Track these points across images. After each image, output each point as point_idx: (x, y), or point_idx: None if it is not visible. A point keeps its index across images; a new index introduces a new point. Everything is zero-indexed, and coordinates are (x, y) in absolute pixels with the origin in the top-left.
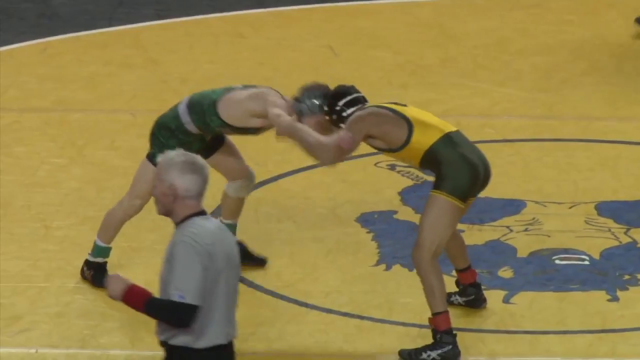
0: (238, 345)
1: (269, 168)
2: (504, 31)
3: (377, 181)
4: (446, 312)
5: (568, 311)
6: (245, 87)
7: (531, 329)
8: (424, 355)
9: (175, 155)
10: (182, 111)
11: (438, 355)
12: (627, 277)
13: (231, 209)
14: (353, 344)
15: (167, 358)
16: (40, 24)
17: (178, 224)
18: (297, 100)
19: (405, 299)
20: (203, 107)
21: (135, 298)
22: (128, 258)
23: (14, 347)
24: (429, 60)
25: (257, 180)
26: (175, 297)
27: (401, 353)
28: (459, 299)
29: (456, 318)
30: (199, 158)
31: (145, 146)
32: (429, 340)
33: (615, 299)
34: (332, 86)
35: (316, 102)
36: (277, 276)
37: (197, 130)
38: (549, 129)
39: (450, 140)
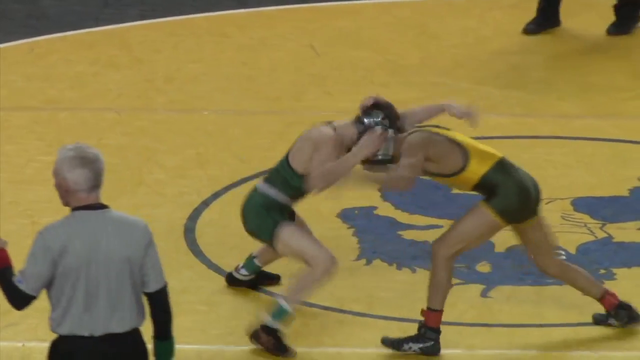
0: (222, 340)
1: (253, 165)
2: (483, 31)
3: None
4: (441, 311)
5: (545, 305)
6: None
7: (509, 322)
8: (406, 347)
9: (67, 149)
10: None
11: (419, 348)
12: (602, 271)
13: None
14: (333, 337)
15: None
16: (28, 24)
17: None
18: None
19: (385, 293)
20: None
21: None
22: None
23: (0, 341)
24: (409, 59)
25: (242, 176)
26: (17, 280)
27: (384, 341)
28: (615, 322)
29: None
30: (90, 151)
31: (130, 143)
32: (409, 333)
33: None
34: (314, 83)
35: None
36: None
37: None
38: (527, 127)
39: (503, 165)
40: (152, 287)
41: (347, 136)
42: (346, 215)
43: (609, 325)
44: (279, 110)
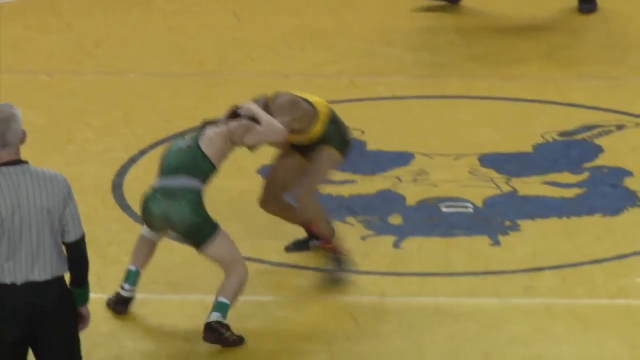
0: (146, 289)
1: (177, 124)
2: None
3: None
4: (334, 234)
5: (454, 255)
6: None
7: (420, 271)
8: (334, 275)
9: None
10: None
11: (340, 268)
12: (508, 223)
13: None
14: (254, 287)
15: None
16: None
17: None
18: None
19: None
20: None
21: None
22: None
23: None
24: (325, 24)
25: (167, 134)
26: None
27: (327, 272)
28: (316, 243)
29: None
30: (4, 110)
31: (60, 104)
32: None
33: (497, 243)
34: (236, 47)
35: None
36: None
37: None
38: (436, 87)
39: (334, 115)
40: (71, 237)
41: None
42: (266, 171)
43: (309, 247)
44: (203, 72)
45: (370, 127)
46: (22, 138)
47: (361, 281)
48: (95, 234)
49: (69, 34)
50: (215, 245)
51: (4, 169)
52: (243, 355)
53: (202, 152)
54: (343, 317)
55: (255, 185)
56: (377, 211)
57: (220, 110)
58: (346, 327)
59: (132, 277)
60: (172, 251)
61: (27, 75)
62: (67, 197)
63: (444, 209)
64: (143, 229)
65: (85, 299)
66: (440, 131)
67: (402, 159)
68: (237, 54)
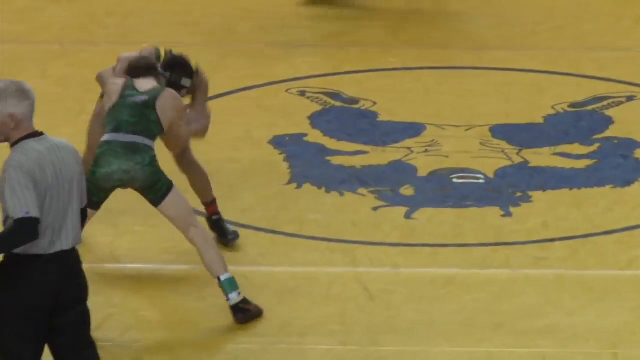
0: (157, 257)
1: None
2: None
3: (288, 106)
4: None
5: (465, 226)
6: None
7: (431, 243)
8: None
9: (6, 86)
10: None
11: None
12: (519, 194)
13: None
14: (266, 257)
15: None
16: None
17: (13, 145)
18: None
19: (315, 215)
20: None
21: None
22: None
23: None
24: None
25: None
26: (21, 214)
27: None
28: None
29: (359, 231)
30: (25, 84)
31: (73, 74)
32: (338, 253)
33: (508, 214)
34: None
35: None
36: (195, 196)
37: None
38: (446, 58)
39: None
40: (84, 202)
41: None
42: (277, 142)
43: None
44: (213, 42)
45: (382, 98)
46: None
47: (373, 252)
48: (108, 203)
49: (80, 4)
50: (171, 202)
51: (35, 140)
52: (255, 325)
53: (157, 116)
54: (355, 288)
55: (267, 155)
56: (389, 182)
57: (229, 81)
58: (358, 298)
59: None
60: None
61: (39, 45)
62: (81, 163)
63: (455, 180)
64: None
65: None
66: (452, 102)
67: (414, 129)
68: (246, 24)
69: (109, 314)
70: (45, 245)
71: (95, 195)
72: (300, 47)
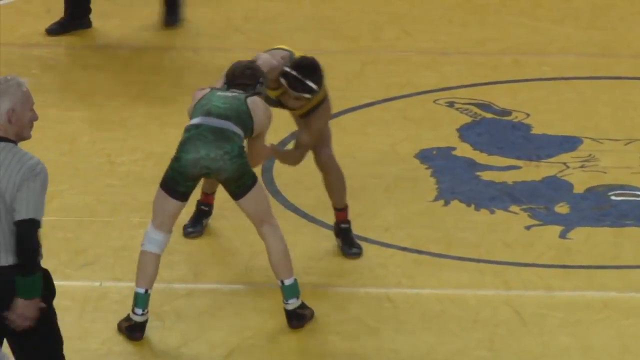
0: (298, 279)
1: None
2: None
3: (435, 118)
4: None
5: (624, 246)
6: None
7: (587, 264)
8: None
9: (21, 84)
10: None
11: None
12: None
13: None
14: (411, 278)
15: None
16: None
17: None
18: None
19: (463, 233)
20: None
21: None
22: None
23: (78, 281)
24: None
25: None
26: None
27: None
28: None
29: (511, 252)
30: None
31: (208, 84)
32: (488, 274)
33: None
34: (392, 22)
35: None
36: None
37: None
38: (605, 67)
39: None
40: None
41: None
42: (424, 156)
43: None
44: (357, 49)
45: (536, 110)
46: (9, 117)
47: (525, 274)
48: (240, 221)
49: (215, 9)
50: (252, 197)
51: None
52: (401, 350)
53: (249, 110)
54: (505, 312)
55: (413, 170)
56: (543, 199)
57: (373, 91)
58: (509, 322)
59: (143, 301)
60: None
61: (172, 51)
62: (25, 181)
63: (614, 198)
64: (147, 244)
65: (25, 290)
66: (610, 114)
67: (570, 143)
68: (393, 30)
69: (244, 337)
70: None
71: (181, 185)
72: (449, 55)
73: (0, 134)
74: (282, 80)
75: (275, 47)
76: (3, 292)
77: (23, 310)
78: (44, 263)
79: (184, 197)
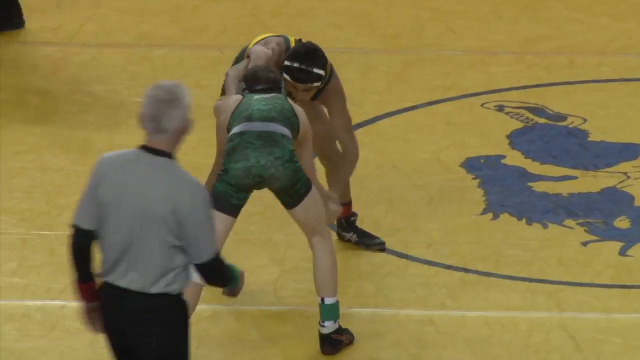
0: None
1: (366, 109)
2: None
3: (483, 123)
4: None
5: None
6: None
7: None
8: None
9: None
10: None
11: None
12: None
13: None
14: (457, 299)
15: None
16: None
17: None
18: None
19: (514, 250)
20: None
21: None
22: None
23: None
24: None
25: (355, 122)
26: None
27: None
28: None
29: (566, 270)
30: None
31: None
32: (540, 295)
33: None
34: (435, 19)
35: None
36: (375, 225)
37: None
38: None
39: None
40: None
41: None
42: (471, 165)
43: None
44: (397, 48)
45: (593, 115)
46: (183, 127)
47: (581, 295)
48: (268, 235)
49: (242, 3)
50: (306, 205)
51: (133, 154)
52: None
53: (291, 106)
54: (560, 336)
55: (459, 180)
56: (601, 213)
57: (415, 93)
58: (563, 348)
59: None
60: None
61: (194, 50)
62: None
63: None
64: (192, 273)
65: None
66: None
67: (631, 151)
68: (436, 27)
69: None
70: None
71: (234, 197)
72: (498, 54)
73: (161, 147)
74: (286, 77)
75: (263, 36)
76: (136, 320)
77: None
78: (54, 281)
79: (236, 210)
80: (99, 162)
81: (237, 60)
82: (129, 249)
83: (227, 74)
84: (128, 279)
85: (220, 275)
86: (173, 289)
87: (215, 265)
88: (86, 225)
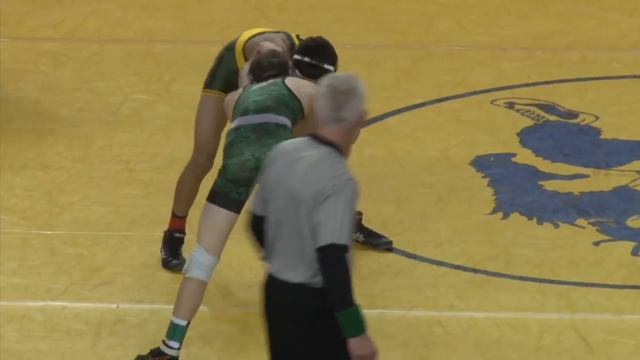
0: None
1: (374, 106)
2: None
3: (493, 120)
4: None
5: None
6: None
7: None
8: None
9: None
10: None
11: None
12: None
13: None
14: (466, 300)
15: None
16: None
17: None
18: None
19: (524, 250)
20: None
21: None
22: None
23: (92, 302)
24: None
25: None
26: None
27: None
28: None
29: (577, 270)
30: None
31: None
32: (551, 296)
33: None
34: (444, 14)
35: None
36: (383, 225)
37: None
38: None
39: None
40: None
41: None
42: (480, 163)
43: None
44: (405, 44)
45: (605, 112)
46: (359, 117)
47: (593, 295)
48: None
49: None
50: None
51: (302, 142)
52: None
53: (290, 90)
54: (571, 337)
55: (468, 179)
56: (613, 212)
57: (423, 90)
58: (574, 349)
59: (181, 334)
60: None
61: (197, 45)
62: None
63: None
64: (194, 269)
65: (345, 329)
66: None
67: None
68: (445, 22)
69: None
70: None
71: (234, 192)
72: (508, 50)
73: (332, 137)
74: (297, 71)
75: (257, 30)
76: (285, 313)
77: (354, 348)
78: (55, 281)
79: (237, 206)
80: (273, 150)
81: (224, 52)
82: (278, 233)
83: (242, 69)
84: (276, 266)
85: (338, 271)
86: (317, 280)
87: (336, 256)
88: (258, 211)
